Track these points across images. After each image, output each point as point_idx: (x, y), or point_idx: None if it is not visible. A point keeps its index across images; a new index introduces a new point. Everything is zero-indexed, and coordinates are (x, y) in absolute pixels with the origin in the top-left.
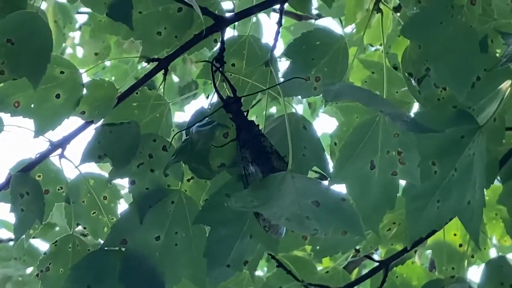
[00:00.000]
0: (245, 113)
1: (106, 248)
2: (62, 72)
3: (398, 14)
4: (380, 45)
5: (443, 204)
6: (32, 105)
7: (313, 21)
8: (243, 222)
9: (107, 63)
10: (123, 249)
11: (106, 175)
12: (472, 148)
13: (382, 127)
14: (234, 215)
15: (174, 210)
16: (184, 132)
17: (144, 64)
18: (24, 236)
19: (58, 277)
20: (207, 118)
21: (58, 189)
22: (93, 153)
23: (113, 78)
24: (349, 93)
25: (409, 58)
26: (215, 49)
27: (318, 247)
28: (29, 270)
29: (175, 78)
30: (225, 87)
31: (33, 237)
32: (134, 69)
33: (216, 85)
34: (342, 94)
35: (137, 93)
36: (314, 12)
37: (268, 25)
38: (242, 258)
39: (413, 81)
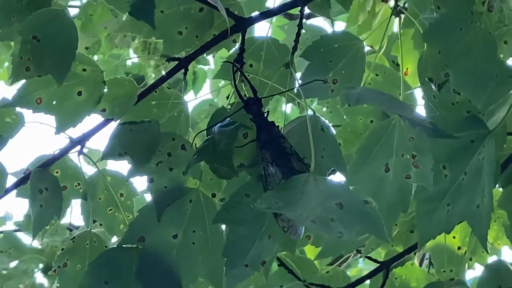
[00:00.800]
0: (265, 114)
1: (123, 246)
2: (84, 70)
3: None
4: (381, 47)
5: (453, 208)
6: (54, 102)
7: (304, 20)
8: (262, 222)
9: (95, 57)
10: (140, 246)
11: (124, 172)
12: (482, 152)
13: (398, 131)
14: (253, 215)
15: (192, 209)
16: (205, 132)
17: (134, 60)
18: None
19: (75, 272)
20: (228, 119)
21: (76, 186)
22: (114, 151)
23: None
24: (371, 97)
25: (426, 63)
26: (233, 50)
27: (321, 248)
28: (14, 263)
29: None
30: (243, 87)
31: (18, 230)
32: (123, 64)
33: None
34: (364, 98)
35: (156, 92)
36: (307, 11)
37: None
38: (260, 258)
39: (433, 86)
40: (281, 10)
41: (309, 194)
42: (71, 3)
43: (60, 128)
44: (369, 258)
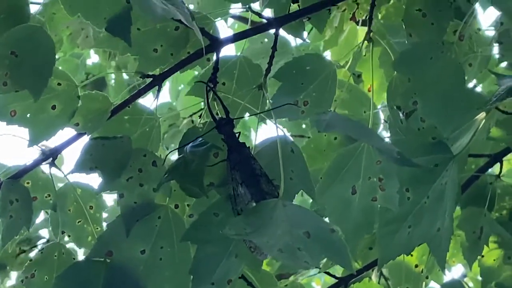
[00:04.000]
0: (236, 135)
1: (91, 259)
2: (59, 84)
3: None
4: (346, 62)
5: (414, 230)
6: (28, 115)
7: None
8: (229, 241)
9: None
10: (108, 260)
11: (94, 185)
12: (445, 177)
13: (366, 154)
14: (221, 235)
15: (161, 225)
16: (177, 151)
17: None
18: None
19: (42, 284)
20: (200, 139)
21: (46, 197)
22: (85, 165)
23: None
24: (340, 124)
25: (396, 90)
26: (206, 68)
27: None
28: None
29: (125, 76)
30: (215, 106)
31: None
32: (84, 64)
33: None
34: (333, 125)
35: (129, 107)
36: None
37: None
38: (226, 277)
39: (401, 115)
40: (256, 31)
41: (277, 220)
42: None
43: (34, 141)
44: (328, 273)
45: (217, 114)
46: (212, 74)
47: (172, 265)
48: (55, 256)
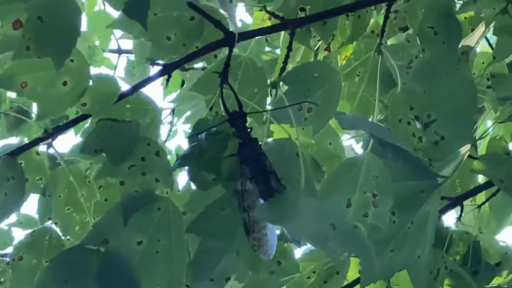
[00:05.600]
0: (249, 130)
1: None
2: (72, 60)
3: None
4: None
5: (396, 255)
6: (39, 88)
7: None
8: (233, 238)
9: None
10: (102, 249)
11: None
12: (429, 204)
13: (365, 168)
14: (226, 229)
15: (160, 217)
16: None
17: None
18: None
19: (30, 267)
20: (214, 128)
21: (38, 180)
22: (90, 146)
23: None
24: (361, 124)
25: (398, 106)
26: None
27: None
28: None
29: None
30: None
31: None
32: None
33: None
34: (355, 123)
35: (132, 95)
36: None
37: None
38: (225, 274)
39: (418, 124)
40: (272, 30)
41: (302, 211)
42: None
43: (41, 116)
44: None
45: (233, 110)
46: (224, 68)
47: (167, 260)
48: (46, 240)
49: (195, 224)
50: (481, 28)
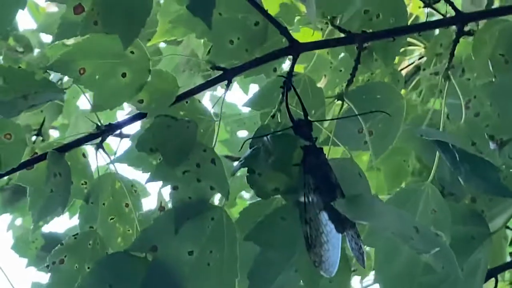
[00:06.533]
0: (314, 139)
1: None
2: (132, 52)
3: None
4: None
5: None
6: (97, 77)
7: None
8: (293, 250)
9: None
10: (150, 258)
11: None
12: (481, 251)
13: (425, 199)
14: (286, 240)
15: (213, 228)
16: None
17: None
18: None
19: (71, 272)
20: (279, 132)
21: (82, 184)
22: (146, 145)
23: None
24: (437, 134)
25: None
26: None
27: None
28: None
29: None
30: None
31: None
32: None
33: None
34: (432, 135)
35: (186, 102)
36: None
37: None
38: None
39: (492, 144)
40: (337, 43)
41: (383, 211)
42: None
43: (97, 107)
44: None
45: (298, 118)
46: (288, 76)
47: (219, 273)
48: (90, 244)
49: (255, 232)
50: None
